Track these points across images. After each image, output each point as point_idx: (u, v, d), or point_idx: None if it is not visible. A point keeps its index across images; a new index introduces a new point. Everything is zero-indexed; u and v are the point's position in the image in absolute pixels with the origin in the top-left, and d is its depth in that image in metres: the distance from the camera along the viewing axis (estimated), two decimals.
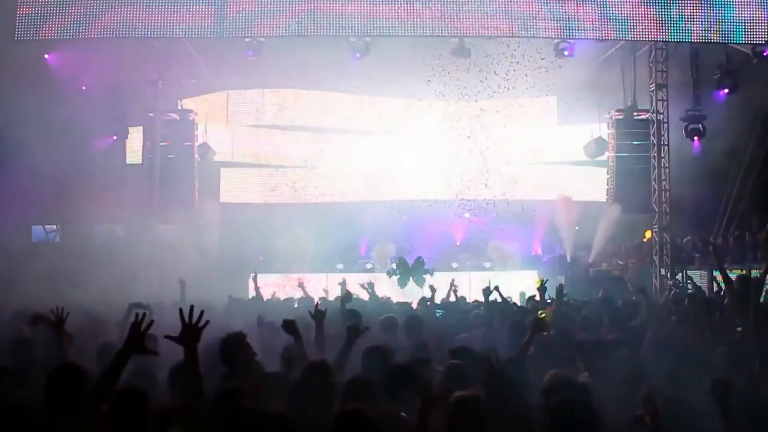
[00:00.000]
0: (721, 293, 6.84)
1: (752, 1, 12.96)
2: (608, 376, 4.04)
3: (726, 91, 13.99)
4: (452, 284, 9.21)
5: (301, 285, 9.08)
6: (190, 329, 3.20)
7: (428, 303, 7.76)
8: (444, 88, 14.52)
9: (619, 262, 16.26)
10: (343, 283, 9.28)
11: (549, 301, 7.04)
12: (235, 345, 4.10)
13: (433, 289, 8.00)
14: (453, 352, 4.32)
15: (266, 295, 9.60)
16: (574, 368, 4.30)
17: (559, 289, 6.75)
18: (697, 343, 5.14)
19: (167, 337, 3.24)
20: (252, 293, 9.69)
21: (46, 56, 13.13)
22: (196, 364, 3.20)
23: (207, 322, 3.25)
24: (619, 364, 4.22)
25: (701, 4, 12.93)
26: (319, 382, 3.62)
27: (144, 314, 3.21)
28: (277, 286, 11.20)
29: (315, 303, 5.71)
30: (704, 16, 12.91)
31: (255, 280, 9.37)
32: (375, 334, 5.39)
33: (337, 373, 4.00)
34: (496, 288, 7.15)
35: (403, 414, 3.36)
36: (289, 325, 4.53)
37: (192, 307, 3.22)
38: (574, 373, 4.15)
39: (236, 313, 7.06)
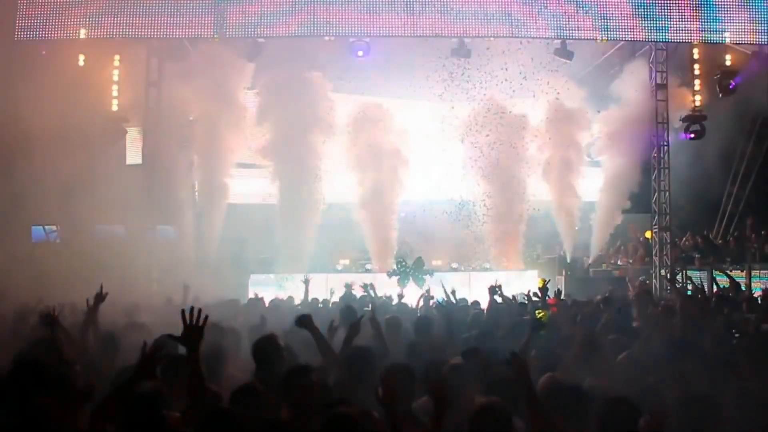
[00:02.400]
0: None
1: (751, 2, 12.97)
2: (610, 376, 4.04)
3: (726, 90, 13.96)
4: (443, 285, 9.15)
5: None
6: (193, 330, 3.20)
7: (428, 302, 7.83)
8: (444, 89, 14.48)
9: (619, 262, 16.24)
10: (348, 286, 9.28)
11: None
12: (269, 346, 4.15)
13: (429, 295, 8.10)
14: (462, 355, 4.28)
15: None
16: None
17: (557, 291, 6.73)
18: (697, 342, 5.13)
19: (170, 336, 3.24)
20: (251, 294, 9.69)
21: (43, 53, 13.10)
22: (198, 364, 3.20)
23: (207, 317, 3.25)
24: (620, 363, 4.22)
25: (701, 4, 12.93)
26: (301, 385, 3.58)
27: (162, 346, 3.16)
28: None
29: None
30: (704, 16, 12.91)
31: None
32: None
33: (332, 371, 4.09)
34: (500, 287, 7.16)
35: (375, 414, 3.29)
36: (305, 321, 4.55)
37: (192, 308, 3.23)
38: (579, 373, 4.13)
39: (233, 315, 7.05)
